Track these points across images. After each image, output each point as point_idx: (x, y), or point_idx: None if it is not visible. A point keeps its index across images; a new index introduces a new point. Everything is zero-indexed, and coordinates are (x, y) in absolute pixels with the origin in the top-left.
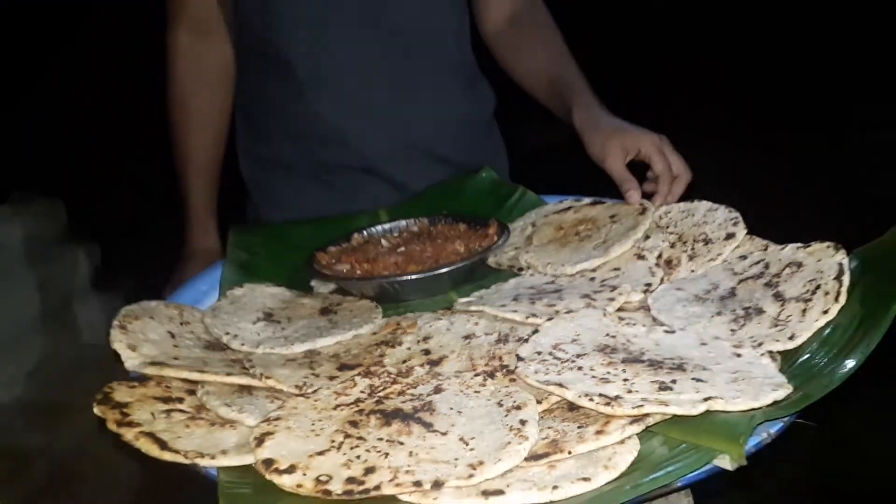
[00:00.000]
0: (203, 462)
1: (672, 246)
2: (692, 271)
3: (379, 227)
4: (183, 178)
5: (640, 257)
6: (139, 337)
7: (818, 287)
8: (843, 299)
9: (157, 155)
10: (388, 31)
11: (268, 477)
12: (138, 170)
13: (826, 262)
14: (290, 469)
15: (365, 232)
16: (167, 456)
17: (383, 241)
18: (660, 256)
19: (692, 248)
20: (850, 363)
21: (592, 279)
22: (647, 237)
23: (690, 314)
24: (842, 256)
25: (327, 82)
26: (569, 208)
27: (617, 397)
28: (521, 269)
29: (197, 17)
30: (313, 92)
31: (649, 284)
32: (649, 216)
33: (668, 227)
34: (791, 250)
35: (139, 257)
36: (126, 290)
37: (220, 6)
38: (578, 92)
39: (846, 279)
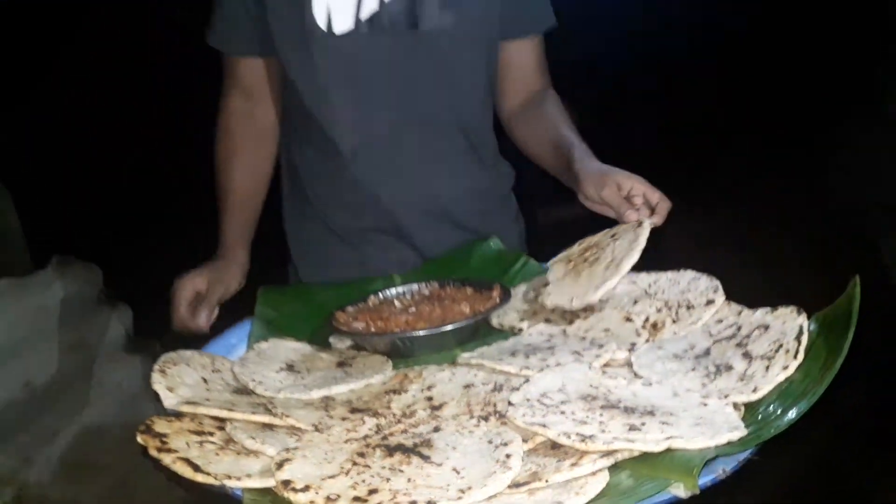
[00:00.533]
0: (231, 483)
1: (658, 311)
2: (675, 333)
3: (393, 290)
4: (223, 212)
5: (629, 320)
6: (176, 380)
7: (780, 346)
8: (800, 357)
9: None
10: (422, 116)
11: (285, 495)
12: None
13: (789, 324)
14: (305, 488)
15: (380, 294)
16: (200, 477)
17: (396, 303)
18: (647, 320)
19: (676, 313)
20: (796, 411)
21: (583, 338)
22: (635, 302)
23: (668, 370)
24: (802, 319)
25: (366, 155)
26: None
27: (591, 436)
28: (519, 330)
29: (249, 87)
30: (353, 162)
31: (634, 344)
32: (646, 227)
33: (655, 294)
34: (761, 314)
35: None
36: (154, 351)
37: (269, 80)
38: (577, 147)
39: (804, 339)
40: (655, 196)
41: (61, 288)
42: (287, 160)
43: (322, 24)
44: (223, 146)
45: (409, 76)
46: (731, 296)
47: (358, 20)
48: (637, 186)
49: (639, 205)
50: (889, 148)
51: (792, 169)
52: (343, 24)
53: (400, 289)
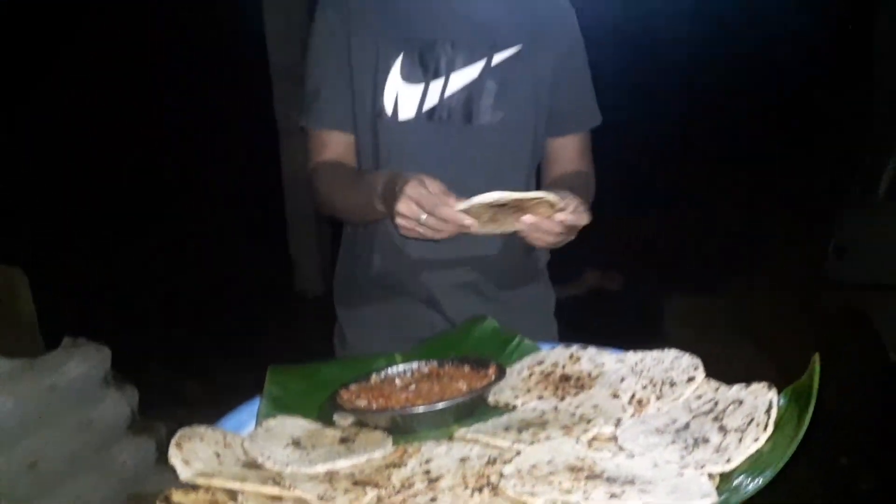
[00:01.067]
0: None
1: (644, 388)
2: (658, 409)
3: (394, 369)
4: (345, 195)
5: (616, 397)
6: (191, 454)
7: (752, 419)
8: (770, 430)
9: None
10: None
11: None
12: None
13: (760, 398)
14: None
15: (382, 373)
16: None
17: (397, 381)
18: (633, 396)
19: (660, 390)
20: (762, 479)
21: (573, 414)
22: (622, 380)
23: (650, 443)
24: (773, 394)
25: None
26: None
27: (576, 502)
28: (514, 407)
29: (338, 158)
30: (403, 237)
31: (620, 419)
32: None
33: (641, 372)
34: (736, 389)
35: (175, 399)
36: (158, 431)
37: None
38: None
39: (773, 413)
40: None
41: (71, 369)
42: (349, 230)
43: (389, 110)
44: (324, 173)
45: (459, 163)
46: (731, 368)
47: (420, 111)
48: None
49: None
50: (881, 229)
51: (789, 249)
52: (407, 113)
53: (401, 367)
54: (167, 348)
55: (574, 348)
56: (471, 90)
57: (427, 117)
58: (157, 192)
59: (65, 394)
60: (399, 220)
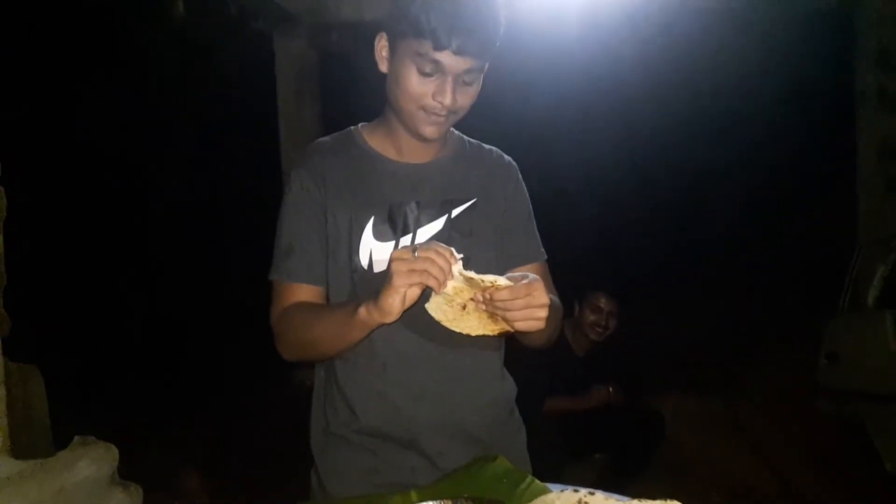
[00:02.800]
0: None
1: None
2: None
3: None
4: (326, 313)
5: None
6: None
7: None
8: None
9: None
10: (444, 339)
11: None
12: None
13: None
14: None
15: None
16: None
17: None
18: None
19: None
20: None
21: None
22: None
23: None
24: None
25: (393, 370)
26: None
27: None
28: None
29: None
30: (381, 376)
31: None
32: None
33: None
34: None
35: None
36: None
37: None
38: None
39: None
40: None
41: (81, 470)
42: (324, 370)
43: (364, 264)
44: (298, 314)
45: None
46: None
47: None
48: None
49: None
50: (870, 337)
51: (783, 355)
52: (381, 266)
53: None
54: (164, 436)
55: (582, 493)
56: (437, 240)
57: None
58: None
59: (74, 495)
60: (393, 266)
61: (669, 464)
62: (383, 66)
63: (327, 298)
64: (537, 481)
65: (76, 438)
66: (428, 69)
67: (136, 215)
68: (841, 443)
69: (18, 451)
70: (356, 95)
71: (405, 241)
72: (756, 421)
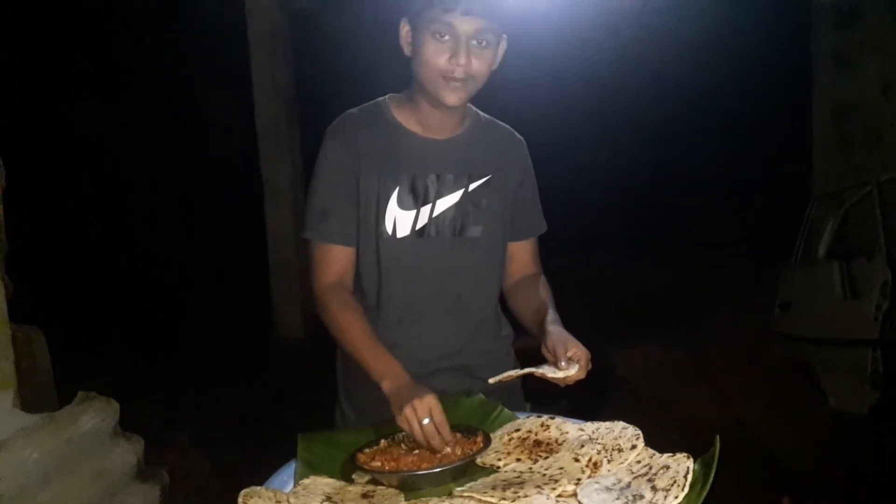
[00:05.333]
0: None
1: (598, 453)
2: (609, 471)
3: (399, 434)
4: (365, 347)
5: (577, 460)
6: None
7: (674, 481)
8: (686, 489)
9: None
10: (454, 297)
11: None
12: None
13: (682, 465)
14: None
15: (390, 438)
16: None
17: (402, 445)
18: (590, 460)
19: (610, 455)
20: None
21: (544, 475)
22: (582, 445)
23: (602, 499)
24: (690, 462)
25: (407, 324)
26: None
27: None
28: (498, 468)
29: (340, 270)
30: (397, 328)
31: (579, 479)
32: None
33: (597, 440)
34: (665, 458)
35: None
36: (162, 479)
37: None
38: (550, 314)
39: (689, 476)
40: (584, 362)
41: (86, 422)
42: None
43: (389, 230)
44: (335, 304)
45: (446, 269)
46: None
47: (413, 230)
48: (578, 353)
49: (572, 363)
50: (820, 286)
51: (739, 304)
52: (403, 232)
53: (403, 433)
54: (157, 394)
55: (544, 418)
56: (454, 212)
57: (418, 234)
58: (152, 250)
59: (81, 445)
60: (402, 420)
61: (631, 408)
62: (407, 50)
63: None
64: (506, 410)
65: (79, 394)
66: (442, 31)
67: (112, 182)
68: (792, 384)
69: (26, 405)
70: (327, 54)
71: (425, 210)
72: (714, 366)
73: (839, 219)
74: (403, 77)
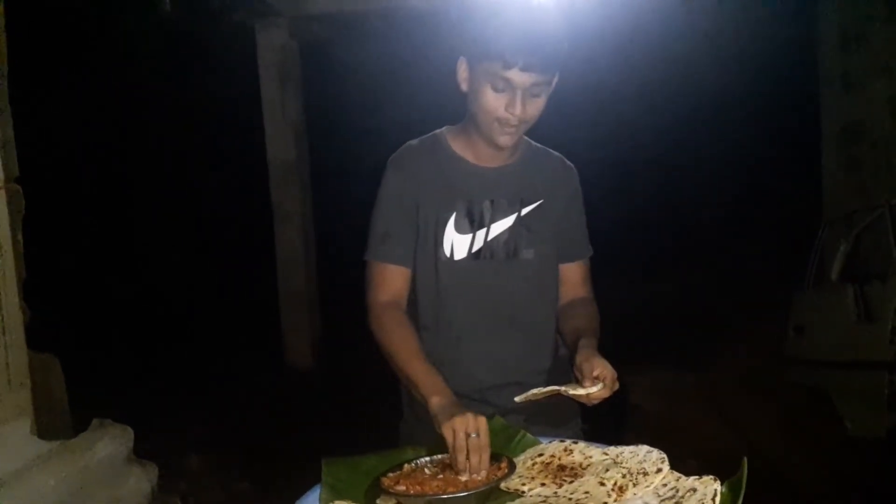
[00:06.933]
0: None
1: (623, 476)
2: (634, 494)
3: (422, 460)
4: (414, 363)
5: (602, 484)
6: None
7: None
8: None
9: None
10: (510, 317)
11: None
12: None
13: (709, 488)
14: None
15: (413, 463)
16: None
17: (426, 470)
18: (615, 484)
19: (635, 478)
20: None
21: (570, 499)
22: (607, 470)
23: None
24: (717, 485)
25: (467, 342)
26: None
27: None
28: (522, 493)
29: (397, 290)
30: (456, 346)
31: (605, 503)
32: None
33: (621, 463)
34: (691, 481)
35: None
36: None
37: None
38: (587, 337)
39: (718, 499)
40: (609, 381)
41: (101, 449)
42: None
43: (447, 253)
44: (390, 321)
45: (501, 290)
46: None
47: (469, 253)
48: (604, 372)
49: (597, 381)
50: (834, 309)
51: (752, 328)
52: (460, 254)
53: (427, 458)
54: (169, 422)
55: (567, 442)
56: (507, 235)
57: (474, 257)
58: (164, 278)
59: (96, 472)
60: (447, 429)
61: (645, 433)
62: (464, 86)
63: (413, 280)
64: (529, 435)
65: (94, 421)
66: (500, 86)
67: (125, 209)
68: (807, 409)
69: (41, 433)
70: (337, 84)
71: (480, 233)
72: (728, 392)
73: (851, 241)
74: (411, 106)
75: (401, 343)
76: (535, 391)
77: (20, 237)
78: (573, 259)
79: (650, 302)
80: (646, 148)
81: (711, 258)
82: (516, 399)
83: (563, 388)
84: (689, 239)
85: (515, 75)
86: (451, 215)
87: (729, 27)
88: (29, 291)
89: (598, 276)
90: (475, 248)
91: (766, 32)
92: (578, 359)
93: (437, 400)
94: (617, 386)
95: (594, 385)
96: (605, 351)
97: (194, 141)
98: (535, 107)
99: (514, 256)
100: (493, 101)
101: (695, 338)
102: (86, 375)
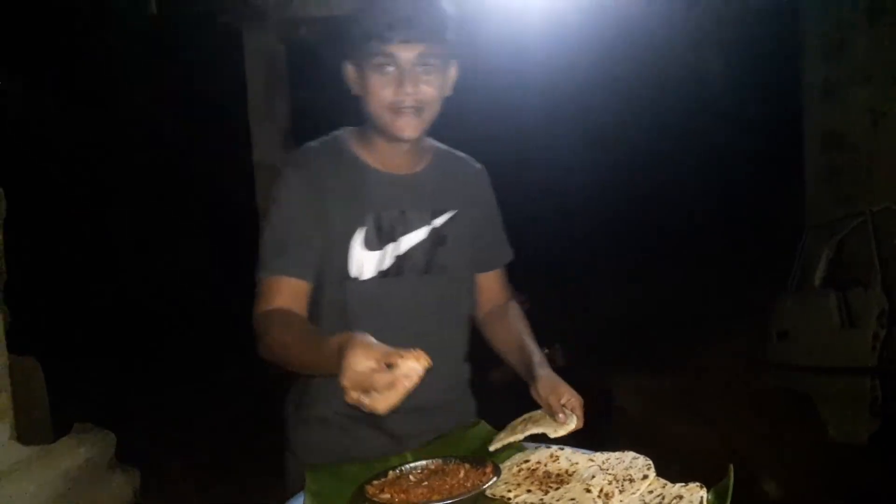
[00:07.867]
0: None
1: (609, 483)
2: (620, 501)
3: (407, 466)
4: (304, 337)
5: (588, 491)
6: None
7: None
8: None
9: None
10: (420, 333)
11: None
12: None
13: (695, 494)
14: None
15: (398, 469)
16: None
17: (411, 476)
18: (601, 490)
19: (622, 485)
20: None
21: None
22: (593, 476)
23: None
24: (703, 491)
25: None
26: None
27: None
28: (508, 500)
29: (289, 306)
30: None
31: None
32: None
33: (608, 469)
34: (677, 487)
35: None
36: None
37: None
38: (536, 355)
39: None
40: (578, 409)
41: (82, 454)
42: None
43: (354, 273)
44: (270, 321)
45: (415, 309)
46: (682, 446)
47: (379, 269)
48: (572, 400)
49: (566, 410)
50: (816, 315)
51: (735, 332)
52: (369, 273)
53: (412, 465)
54: (152, 425)
55: (553, 449)
56: (420, 250)
57: (383, 276)
58: (146, 281)
59: (77, 478)
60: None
61: (627, 438)
62: (355, 89)
63: (315, 303)
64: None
65: (75, 425)
66: (385, 68)
67: (109, 211)
68: (790, 414)
69: (22, 437)
70: (325, 88)
71: (391, 248)
72: (710, 396)
73: (833, 248)
74: None
75: (293, 334)
76: (510, 439)
77: (1, 239)
78: (492, 267)
79: (635, 305)
80: (628, 154)
81: (695, 263)
82: (490, 448)
83: (539, 431)
84: (672, 244)
85: (397, 49)
86: (357, 229)
87: (711, 35)
88: (10, 294)
89: (582, 279)
90: (385, 266)
91: (749, 41)
92: (542, 389)
93: (336, 345)
94: (583, 412)
95: (569, 420)
96: (591, 355)
97: (180, 143)
98: (431, 85)
99: (426, 273)
100: (381, 87)
101: (679, 342)
102: (67, 379)
